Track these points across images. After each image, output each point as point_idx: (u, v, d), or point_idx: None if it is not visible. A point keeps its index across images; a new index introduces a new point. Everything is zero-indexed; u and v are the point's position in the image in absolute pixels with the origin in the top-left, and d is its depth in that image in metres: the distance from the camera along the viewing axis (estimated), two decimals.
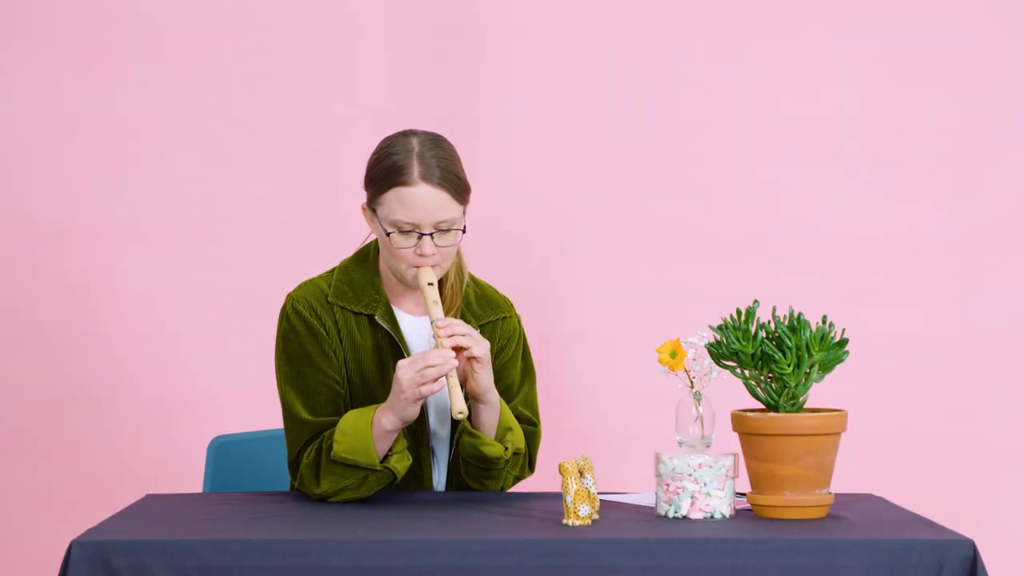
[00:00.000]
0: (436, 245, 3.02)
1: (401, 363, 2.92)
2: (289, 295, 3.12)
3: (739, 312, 2.77)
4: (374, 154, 3.09)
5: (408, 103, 4.49)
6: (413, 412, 2.94)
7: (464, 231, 3.08)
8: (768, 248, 4.52)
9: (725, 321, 2.78)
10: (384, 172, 3.04)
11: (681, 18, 4.53)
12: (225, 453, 3.50)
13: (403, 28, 4.53)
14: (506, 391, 3.14)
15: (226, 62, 4.51)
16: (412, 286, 3.08)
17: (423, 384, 2.89)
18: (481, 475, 3.07)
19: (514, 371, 3.17)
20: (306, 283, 3.13)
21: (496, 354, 3.13)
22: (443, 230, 3.02)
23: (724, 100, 4.53)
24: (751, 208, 4.53)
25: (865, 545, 2.53)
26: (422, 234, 3.01)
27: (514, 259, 4.51)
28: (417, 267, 3.03)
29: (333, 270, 3.16)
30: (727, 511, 2.74)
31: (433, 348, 2.94)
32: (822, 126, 4.53)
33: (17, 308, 4.50)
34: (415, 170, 3.02)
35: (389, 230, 3.02)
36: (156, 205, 4.50)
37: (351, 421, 2.96)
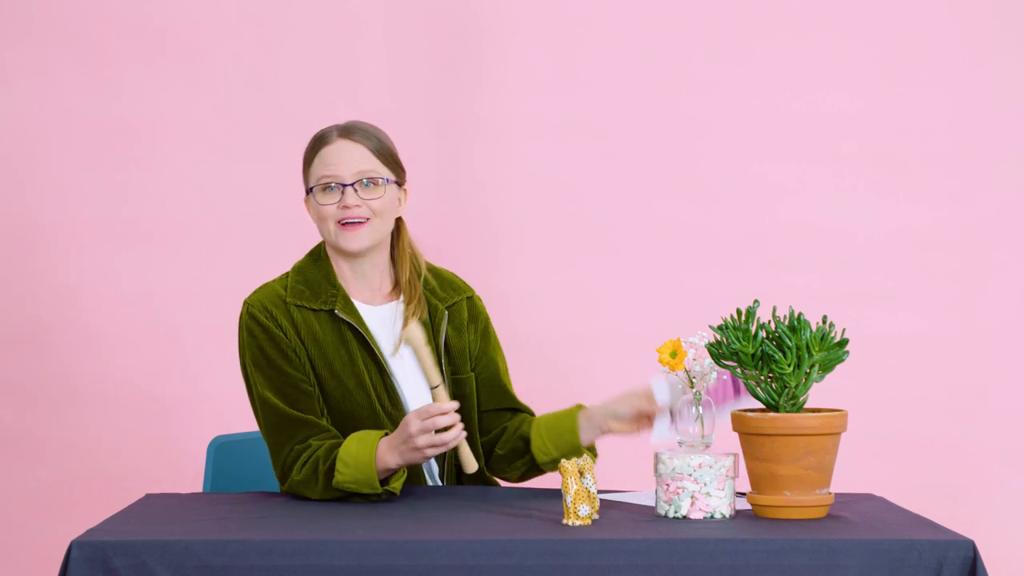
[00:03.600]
0: (362, 199, 3.07)
1: (414, 419, 2.93)
2: (245, 301, 3.15)
3: (739, 312, 2.77)
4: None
5: (408, 103, 4.49)
6: (421, 460, 2.97)
7: (402, 201, 3.15)
8: (768, 248, 4.52)
9: (725, 321, 2.78)
10: (310, 146, 3.15)
11: (681, 19, 4.53)
12: (225, 453, 3.50)
13: (403, 28, 4.53)
14: (494, 376, 3.21)
15: (226, 62, 4.52)
16: (345, 250, 3.10)
17: (434, 444, 2.92)
18: (535, 475, 3.16)
19: (498, 355, 3.24)
20: (261, 287, 3.16)
21: (481, 335, 3.20)
22: (367, 183, 3.08)
23: (724, 100, 4.53)
24: (751, 208, 4.53)
25: (865, 545, 2.53)
26: (344, 185, 3.06)
27: (514, 259, 4.51)
28: (341, 222, 3.07)
29: (288, 272, 3.18)
30: (727, 511, 2.74)
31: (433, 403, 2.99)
32: (822, 126, 4.53)
33: (17, 308, 4.50)
34: (335, 132, 3.13)
35: (312, 185, 3.09)
36: (156, 205, 4.51)
37: (352, 453, 2.96)
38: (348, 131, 3.11)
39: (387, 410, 3.08)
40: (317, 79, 4.52)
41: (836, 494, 2.91)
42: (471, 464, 3.01)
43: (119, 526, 2.69)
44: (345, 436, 3.02)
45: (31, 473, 4.50)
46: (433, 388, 3.03)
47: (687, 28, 4.53)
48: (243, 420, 4.10)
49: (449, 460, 3.16)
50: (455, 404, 2.95)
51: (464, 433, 2.96)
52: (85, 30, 4.49)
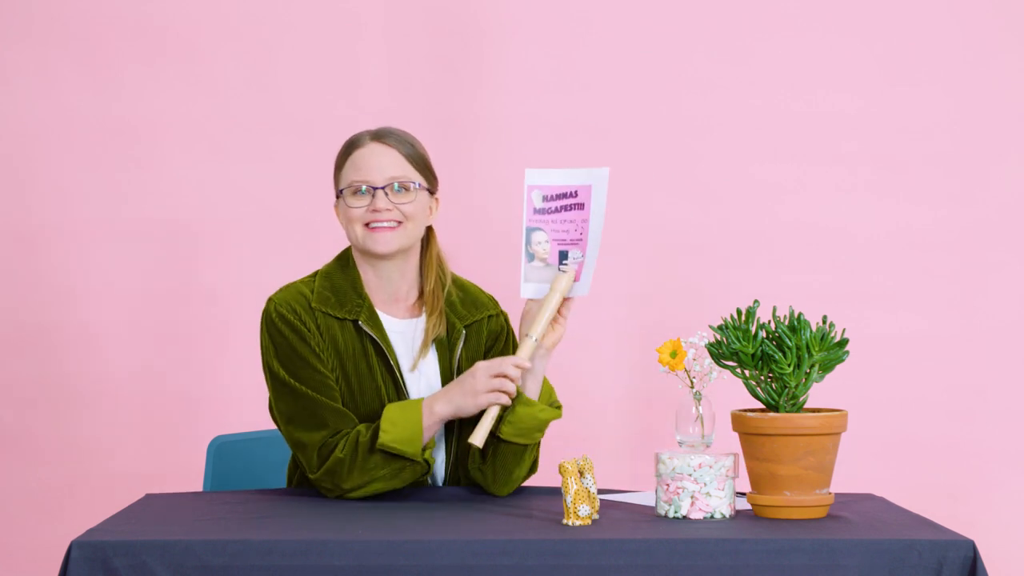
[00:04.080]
0: (393, 202, 3.05)
1: (479, 363, 2.97)
2: (271, 299, 3.10)
3: (739, 312, 2.78)
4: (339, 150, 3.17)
5: (408, 103, 4.49)
6: (472, 408, 2.97)
7: (433, 209, 3.13)
8: (768, 248, 4.52)
9: (725, 321, 2.78)
10: (342, 150, 3.14)
11: (681, 19, 4.53)
12: (225, 453, 3.50)
13: (403, 28, 4.53)
14: None
15: (226, 62, 4.52)
16: (373, 253, 3.08)
17: (493, 388, 2.94)
18: (513, 463, 3.04)
19: None
20: (287, 288, 3.13)
21: (485, 352, 3.15)
22: (399, 188, 3.06)
23: (724, 100, 4.53)
24: (751, 208, 4.53)
25: (865, 545, 2.53)
26: (375, 189, 3.04)
27: (513, 259, 4.51)
28: (368, 224, 3.05)
29: (315, 275, 3.15)
30: (727, 511, 2.74)
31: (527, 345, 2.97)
32: (822, 126, 4.53)
33: (17, 308, 4.50)
34: (368, 136, 3.11)
35: (343, 188, 3.08)
36: (156, 205, 4.51)
37: (396, 412, 2.98)
38: (381, 135, 3.10)
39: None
40: (317, 79, 4.52)
41: (836, 494, 2.92)
42: (481, 437, 2.94)
43: (119, 526, 2.69)
44: None
45: (31, 473, 4.50)
46: (526, 335, 2.98)
47: (687, 28, 4.53)
48: (243, 420, 4.11)
49: (452, 469, 3.15)
50: (528, 364, 2.96)
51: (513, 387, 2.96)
52: (85, 30, 4.49)
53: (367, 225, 3.07)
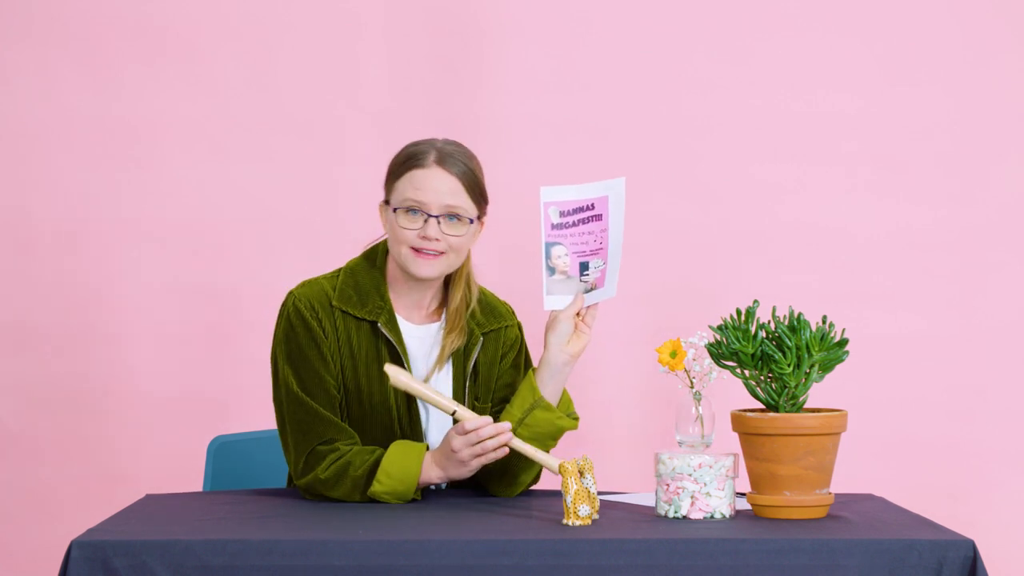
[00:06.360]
0: (443, 232, 3.03)
1: (456, 436, 2.92)
2: (291, 293, 3.09)
3: (739, 312, 2.78)
4: (397, 153, 3.11)
5: (408, 103, 4.49)
6: (466, 475, 2.97)
7: (478, 232, 3.11)
8: (768, 248, 4.52)
9: (725, 321, 2.78)
10: (403, 159, 3.08)
11: (681, 19, 4.53)
12: (225, 453, 3.50)
13: (403, 28, 4.53)
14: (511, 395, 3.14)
15: (226, 62, 4.52)
16: (414, 276, 3.05)
17: (483, 455, 2.93)
18: (521, 467, 3.03)
19: (517, 376, 3.17)
20: (310, 282, 3.11)
21: (499, 359, 3.15)
22: (452, 218, 3.03)
23: (724, 100, 4.53)
24: (751, 208, 4.53)
25: (865, 545, 2.53)
26: (429, 216, 3.01)
27: (512, 260, 4.51)
28: (417, 250, 3.02)
29: (339, 271, 3.13)
30: (727, 511, 2.74)
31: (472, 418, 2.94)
32: (822, 126, 4.53)
33: (17, 308, 4.50)
34: (432, 155, 3.05)
35: (396, 206, 3.03)
36: (156, 205, 4.51)
37: (397, 463, 2.95)
38: (444, 158, 3.04)
39: (405, 433, 3.06)
40: (317, 79, 4.52)
41: (836, 494, 2.92)
42: (552, 464, 2.91)
43: (119, 526, 2.69)
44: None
45: (31, 473, 4.50)
46: (453, 415, 2.96)
47: (687, 28, 4.53)
48: (243, 420, 4.11)
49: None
50: (487, 419, 2.92)
51: (510, 436, 2.92)
52: (85, 30, 4.49)
53: (413, 247, 3.04)
